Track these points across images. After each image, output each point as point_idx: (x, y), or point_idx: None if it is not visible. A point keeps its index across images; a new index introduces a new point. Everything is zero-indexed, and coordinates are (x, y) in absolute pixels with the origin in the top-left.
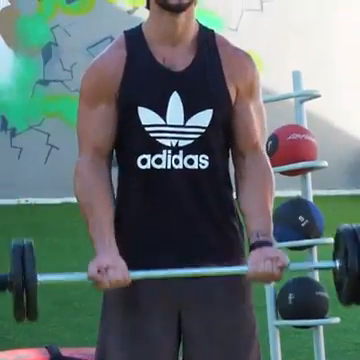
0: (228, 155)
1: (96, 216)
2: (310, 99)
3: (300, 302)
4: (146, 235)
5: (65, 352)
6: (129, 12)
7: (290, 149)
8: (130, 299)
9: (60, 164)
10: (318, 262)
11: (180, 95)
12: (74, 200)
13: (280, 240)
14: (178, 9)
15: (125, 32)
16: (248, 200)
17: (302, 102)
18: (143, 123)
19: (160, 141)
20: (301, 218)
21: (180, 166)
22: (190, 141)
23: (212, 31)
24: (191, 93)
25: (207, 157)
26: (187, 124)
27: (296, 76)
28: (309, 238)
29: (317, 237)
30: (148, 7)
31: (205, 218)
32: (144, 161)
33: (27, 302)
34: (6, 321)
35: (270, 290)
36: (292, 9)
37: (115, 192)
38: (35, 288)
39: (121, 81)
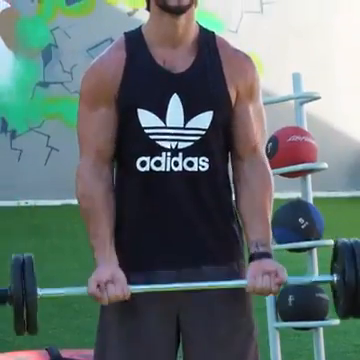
0: (228, 157)
1: (97, 224)
2: (310, 101)
3: (300, 304)
4: (145, 237)
5: (65, 354)
6: (129, 14)
7: (290, 151)
8: (128, 301)
9: (60, 166)
10: (316, 276)
11: (180, 97)
12: (74, 202)
13: (280, 242)
14: (178, 11)
15: (125, 34)
16: (247, 207)
17: (302, 104)
18: (143, 125)
19: (160, 143)
20: (301, 220)
21: (180, 168)
22: (190, 143)
23: (212, 33)
24: (191, 95)
25: (207, 159)
26: (187, 126)
27: (296, 78)
28: (309, 240)
29: (317, 239)
30: (148, 9)
31: (204, 221)
32: (143, 163)
33: (27, 316)
34: (6, 323)
35: None
36: (292, 11)
37: None
38: (35, 303)
39: (121, 83)
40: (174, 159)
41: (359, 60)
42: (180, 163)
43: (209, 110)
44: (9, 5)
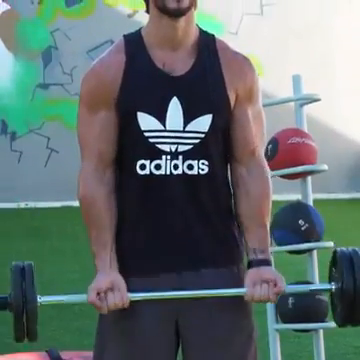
0: (227, 160)
1: (99, 230)
2: (310, 103)
3: (300, 306)
4: (145, 240)
5: (65, 355)
6: (129, 16)
7: (290, 153)
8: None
9: (60, 168)
10: (314, 285)
11: (180, 100)
12: (74, 203)
13: (280, 244)
14: (177, 13)
15: (125, 36)
16: (245, 212)
17: (302, 106)
18: (142, 128)
19: (159, 146)
20: (301, 222)
21: (179, 171)
22: (190, 146)
23: (212, 35)
24: (191, 98)
25: (206, 162)
26: (186, 129)
27: (296, 80)
28: (309, 242)
29: (317, 241)
30: (148, 11)
31: (204, 224)
32: (143, 166)
33: (27, 324)
34: (6, 325)
35: None
36: (292, 13)
37: None
38: (35, 310)
39: (120, 86)
40: (174, 162)
41: (359, 62)
42: (180, 166)
43: (208, 113)
44: (9, 7)
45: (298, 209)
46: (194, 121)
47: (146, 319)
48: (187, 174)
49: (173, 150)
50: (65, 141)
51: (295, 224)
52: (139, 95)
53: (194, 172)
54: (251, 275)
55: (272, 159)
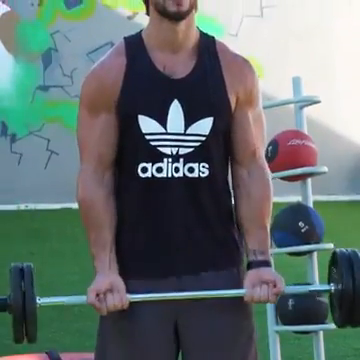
0: (227, 163)
1: (98, 232)
2: (310, 105)
3: (300, 308)
4: (145, 243)
5: (65, 357)
6: (129, 18)
7: (290, 155)
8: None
9: (60, 170)
10: (314, 286)
11: (180, 103)
12: (74, 205)
13: (280, 246)
14: (177, 17)
15: (125, 38)
16: (246, 214)
17: (302, 108)
18: (143, 131)
19: (161, 149)
20: (301, 224)
21: (180, 174)
22: (190, 149)
23: (212, 38)
24: (191, 101)
25: (207, 165)
26: (187, 132)
27: (296, 82)
28: (309, 243)
29: (317, 243)
30: (148, 13)
31: (204, 226)
32: (144, 169)
33: (26, 325)
34: (5, 326)
35: None
36: (292, 15)
37: None
38: (35, 312)
39: (121, 89)
40: (175, 165)
41: (359, 64)
42: (181, 169)
43: (209, 116)
44: (9, 9)
45: (298, 211)
46: (195, 124)
47: (146, 320)
48: (188, 177)
49: (174, 153)
50: (65, 143)
51: (295, 226)
52: (140, 98)
53: (195, 175)
54: (250, 276)
55: (272, 161)
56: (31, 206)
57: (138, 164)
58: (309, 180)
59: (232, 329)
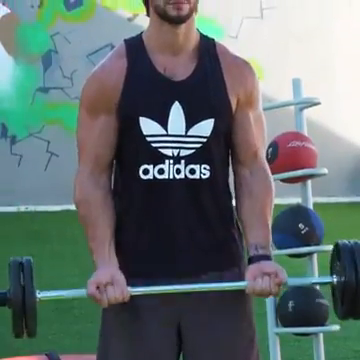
0: (228, 164)
1: (95, 227)
2: (310, 106)
3: (300, 309)
4: (146, 245)
5: (65, 359)
6: (129, 19)
7: (290, 156)
8: (130, 307)
9: (60, 171)
10: (316, 277)
11: (181, 104)
12: (74, 207)
13: (280, 247)
14: (178, 20)
15: (125, 41)
16: (247, 211)
17: (302, 109)
18: (145, 133)
19: (162, 151)
20: (301, 225)
21: (182, 176)
22: (192, 151)
23: (213, 40)
24: (192, 103)
25: (208, 167)
26: (188, 133)
27: (296, 83)
28: (309, 245)
29: (317, 244)
30: (148, 14)
31: (205, 227)
32: (146, 171)
33: (26, 319)
34: (6, 328)
35: (270, 297)
36: (292, 16)
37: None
38: (34, 305)
39: (122, 91)
40: (176, 167)
41: (359, 66)
42: (182, 171)
43: (210, 118)
44: (9, 10)
45: (298, 213)
46: (196, 126)
47: (149, 322)
48: (189, 178)
49: (175, 154)
50: (65, 145)
51: (295, 228)
52: (141, 100)
53: (196, 176)
54: (252, 269)
55: (272, 163)
56: (31, 208)
57: (139, 166)
58: (309, 182)
59: (233, 333)
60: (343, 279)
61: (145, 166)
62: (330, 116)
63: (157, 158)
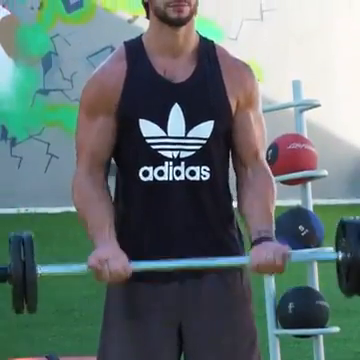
0: (228, 166)
1: (95, 217)
2: (310, 108)
3: (300, 311)
4: (147, 246)
5: None
6: (129, 21)
7: (290, 158)
8: (130, 309)
9: (60, 173)
10: (320, 253)
11: (181, 106)
12: (74, 209)
13: None
14: (178, 23)
15: (125, 43)
16: (250, 204)
17: (302, 111)
18: (144, 135)
19: (162, 153)
20: (301, 227)
21: (182, 177)
22: (192, 152)
23: (212, 42)
24: (192, 105)
25: (208, 168)
26: (188, 135)
27: (296, 85)
28: (309, 247)
29: (317, 246)
30: (148, 17)
31: (205, 229)
32: (146, 173)
33: (27, 295)
34: (6, 330)
35: (270, 299)
36: (292, 18)
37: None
38: (35, 281)
39: (122, 93)
40: (176, 168)
41: (359, 67)
42: (182, 172)
43: (210, 119)
44: (9, 12)
45: (298, 215)
46: (196, 127)
47: (149, 323)
48: (189, 180)
49: (175, 156)
50: (65, 147)
51: (295, 230)
52: (141, 102)
53: (196, 178)
54: (255, 249)
55: (272, 165)
56: (31, 210)
57: (139, 168)
58: (309, 184)
59: (234, 334)
60: (349, 255)
61: (145, 168)
62: (330, 118)
63: (157, 160)
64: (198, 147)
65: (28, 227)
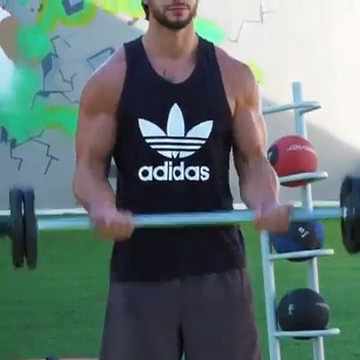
0: (228, 167)
1: (96, 196)
2: (310, 110)
3: (300, 313)
4: (148, 246)
5: None
6: (129, 23)
7: (290, 160)
8: (132, 310)
9: (60, 175)
10: (324, 210)
11: (180, 107)
12: (74, 211)
13: (280, 251)
14: (177, 26)
15: (125, 45)
16: (253, 189)
17: (302, 113)
18: (144, 135)
19: (161, 153)
20: (301, 229)
21: (181, 178)
22: (191, 152)
23: (211, 44)
24: (191, 105)
25: (208, 169)
26: (187, 135)
27: (296, 87)
28: (309, 249)
29: (317, 248)
30: (148, 18)
31: (205, 230)
32: (145, 173)
33: (27, 249)
34: (6, 332)
35: (270, 301)
36: (292, 20)
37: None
38: (35, 235)
39: (121, 93)
40: (176, 168)
41: (359, 69)
42: (182, 172)
43: (209, 119)
44: (9, 14)
45: None
46: (195, 127)
47: (150, 323)
48: (189, 180)
49: (175, 156)
50: (65, 148)
51: (295, 231)
52: (140, 102)
53: (196, 178)
54: (259, 206)
55: (272, 166)
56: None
57: (139, 167)
58: (309, 186)
59: (234, 335)
60: (354, 211)
61: (144, 168)
62: (330, 120)
63: (156, 160)
64: (197, 147)
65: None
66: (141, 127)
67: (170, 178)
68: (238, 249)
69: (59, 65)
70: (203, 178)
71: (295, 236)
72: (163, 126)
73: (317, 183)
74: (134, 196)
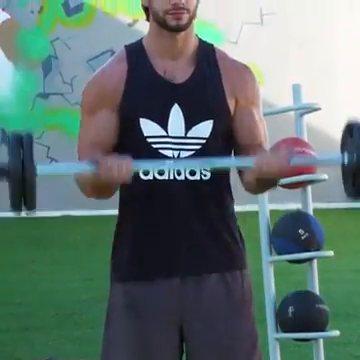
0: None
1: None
2: (310, 112)
3: (300, 315)
4: (149, 245)
5: None
6: (129, 25)
7: None
8: (132, 311)
9: (60, 177)
10: (325, 154)
11: (180, 107)
12: (74, 213)
13: (280, 253)
14: (177, 29)
15: (126, 46)
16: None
17: (302, 115)
18: (145, 134)
19: (162, 152)
20: (301, 231)
21: (182, 177)
22: (192, 152)
23: (212, 45)
24: (191, 105)
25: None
26: (188, 135)
27: (296, 89)
28: (309, 251)
29: (317, 250)
30: (148, 19)
31: (206, 229)
32: (146, 172)
33: (25, 192)
34: (6, 334)
35: (270, 303)
36: (292, 22)
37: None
38: (34, 178)
39: (122, 93)
40: (177, 168)
41: (359, 71)
42: (183, 172)
43: (209, 119)
44: (9, 16)
45: (298, 218)
46: (195, 127)
47: (151, 323)
48: (189, 180)
49: (175, 156)
50: (65, 150)
51: (295, 233)
52: (141, 101)
53: (196, 178)
54: (258, 153)
55: None
56: (32, 214)
57: None
58: (309, 187)
59: (235, 335)
60: (355, 157)
61: None
62: (330, 122)
63: (157, 159)
64: (198, 147)
65: (28, 231)
66: (142, 126)
67: (171, 177)
68: (239, 249)
69: (59, 67)
70: (204, 178)
71: (295, 238)
72: (164, 125)
73: (317, 185)
74: (135, 195)
